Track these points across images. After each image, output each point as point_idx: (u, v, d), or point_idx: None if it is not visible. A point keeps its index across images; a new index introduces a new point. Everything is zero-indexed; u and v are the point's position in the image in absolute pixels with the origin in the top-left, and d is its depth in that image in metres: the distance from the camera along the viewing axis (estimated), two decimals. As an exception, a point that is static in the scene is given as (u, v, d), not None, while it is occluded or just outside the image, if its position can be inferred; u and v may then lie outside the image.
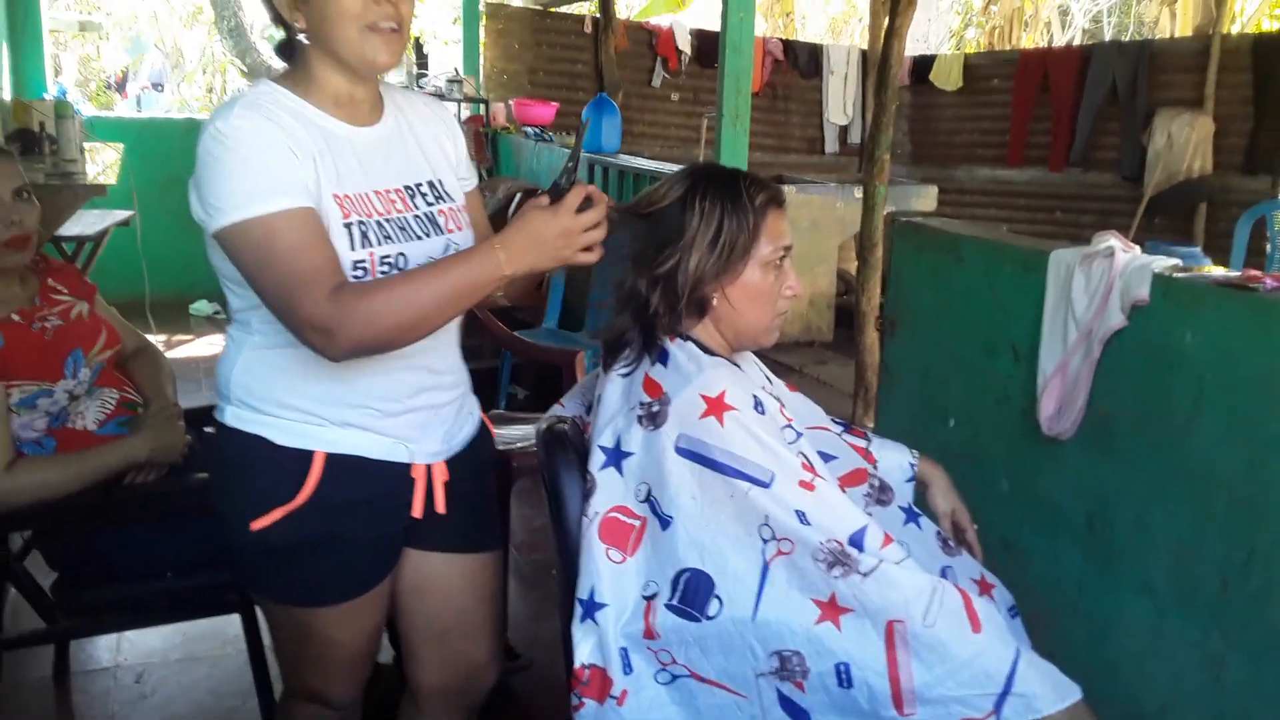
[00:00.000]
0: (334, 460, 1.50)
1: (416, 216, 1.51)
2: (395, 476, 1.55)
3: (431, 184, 1.57)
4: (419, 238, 1.50)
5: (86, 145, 3.40)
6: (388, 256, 1.45)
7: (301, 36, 1.45)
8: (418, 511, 1.58)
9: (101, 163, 3.50)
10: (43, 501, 1.98)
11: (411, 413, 1.55)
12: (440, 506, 1.60)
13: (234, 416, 1.52)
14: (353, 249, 1.42)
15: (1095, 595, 2.06)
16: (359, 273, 1.41)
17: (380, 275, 1.43)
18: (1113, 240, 1.98)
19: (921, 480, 1.79)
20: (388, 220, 1.47)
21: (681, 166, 1.70)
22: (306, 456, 1.49)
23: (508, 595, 2.70)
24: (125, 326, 2.34)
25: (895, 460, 1.77)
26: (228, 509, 1.54)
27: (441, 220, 1.55)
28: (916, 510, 1.75)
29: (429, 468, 1.58)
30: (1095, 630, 2.04)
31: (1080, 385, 2.00)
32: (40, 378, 2.02)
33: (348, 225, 1.42)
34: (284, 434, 1.49)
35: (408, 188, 1.53)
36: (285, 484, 1.48)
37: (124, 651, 2.67)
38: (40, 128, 3.38)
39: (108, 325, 2.24)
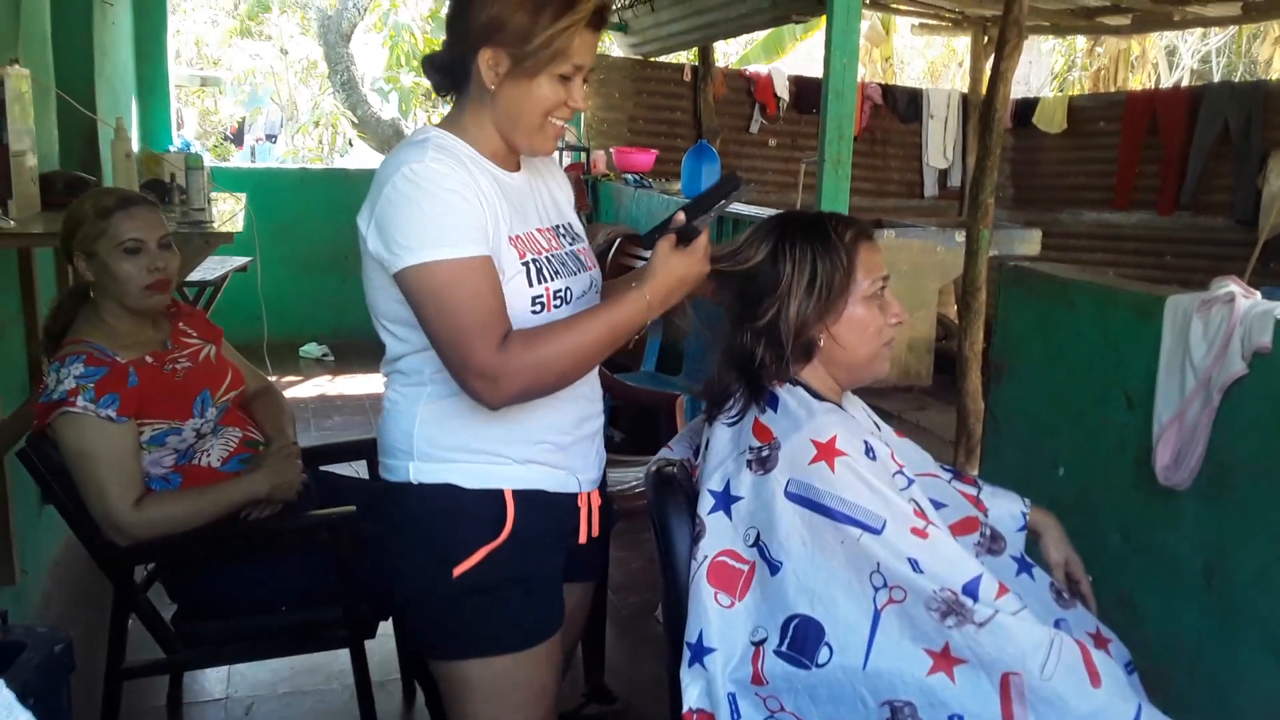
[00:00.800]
0: (520, 496, 1.53)
1: (567, 253, 1.58)
2: (567, 507, 1.62)
3: (568, 225, 1.64)
4: (574, 274, 1.57)
5: (211, 195, 3.56)
6: (559, 291, 1.53)
7: (487, 87, 1.46)
8: (584, 538, 1.65)
9: (218, 212, 3.65)
10: (167, 535, 2.06)
11: (578, 443, 1.61)
12: (595, 531, 1.67)
13: (418, 471, 1.52)
14: (530, 285, 1.48)
15: (1215, 652, 1.98)
16: (536, 308, 1.49)
17: (554, 309, 1.50)
18: (1232, 285, 1.93)
19: (1033, 530, 1.75)
20: (553, 256, 1.54)
21: (774, 213, 1.72)
22: (497, 496, 1.52)
23: (605, 638, 2.71)
24: (249, 368, 2.43)
25: (1006, 509, 1.74)
26: (422, 564, 1.54)
27: (583, 258, 1.62)
28: (1029, 560, 1.71)
29: (589, 495, 1.65)
30: (1215, 689, 1.97)
31: (1199, 434, 1.94)
32: (170, 417, 2.12)
33: (525, 264, 1.48)
34: (472, 477, 1.51)
35: (553, 228, 1.59)
36: (484, 524, 1.51)
37: (234, 684, 2.74)
38: (171, 178, 3.55)
39: (233, 367, 2.34)
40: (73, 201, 2.21)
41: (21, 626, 1.25)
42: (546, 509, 1.57)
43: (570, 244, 1.61)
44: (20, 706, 0.98)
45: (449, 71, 1.53)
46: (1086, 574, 1.73)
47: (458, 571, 1.50)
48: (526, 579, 1.55)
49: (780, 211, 1.69)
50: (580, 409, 1.61)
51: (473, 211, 1.42)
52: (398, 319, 1.49)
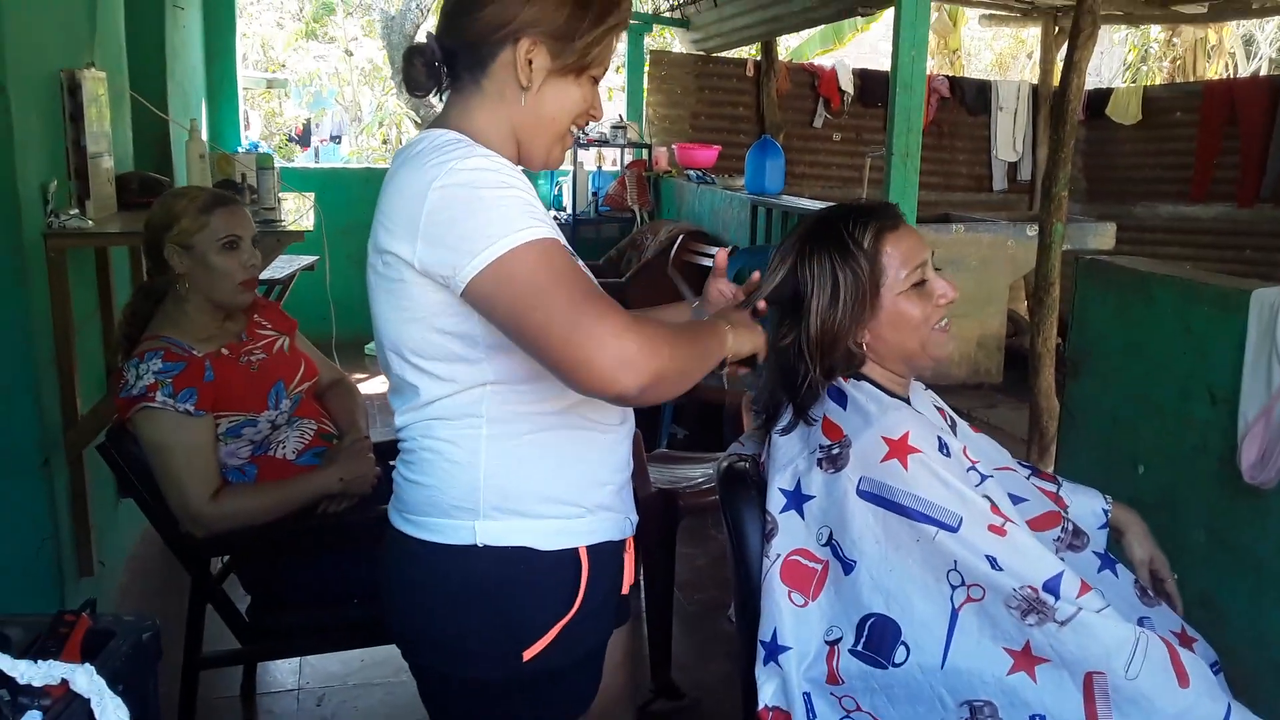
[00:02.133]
0: (593, 553, 1.34)
1: None
2: (620, 556, 1.43)
3: None
4: None
5: (280, 194, 3.61)
6: None
7: (520, 84, 1.29)
8: (627, 587, 1.46)
9: (286, 211, 3.71)
10: (243, 528, 2.10)
11: (627, 481, 1.44)
12: (633, 577, 1.49)
13: (489, 533, 1.28)
14: None
15: (1303, 657, 1.92)
16: None
17: None
18: (1322, 278, 1.87)
19: (1116, 527, 1.72)
20: None
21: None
22: (573, 557, 1.32)
23: (671, 635, 2.70)
24: (322, 360, 2.47)
25: (1088, 506, 1.71)
26: (486, 647, 1.31)
27: None
28: (1112, 557, 1.67)
29: (632, 539, 1.46)
30: (1304, 694, 1.91)
31: (1287, 432, 1.89)
32: (246, 409, 2.15)
33: None
34: (548, 537, 1.30)
35: None
36: (558, 595, 1.31)
37: (306, 675, 2.78)
38: (242, 178, 3.61)
39: (306, 359, 2.37)
40: (156, 200, 2.27)
41: (109, 615, 1.27)
42: (609, 563, 1.39)
43: None
44: (111, 693, 1.00)
45: (450, 65, 1.32)
46: (1172, 572, 1.69)
47: (529, 655, 1.30)
48: (590, 656, 1.39)
49: (802, 221, 1.62)
50: (629, 445, 1.43)
51: (538, 203, 1.24)
52: (438, 353, 1.26)
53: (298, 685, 2.74)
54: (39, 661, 1.05)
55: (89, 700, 1.02)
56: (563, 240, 1.22)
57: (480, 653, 1.31)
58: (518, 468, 1.29)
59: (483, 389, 1.26)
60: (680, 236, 5.51)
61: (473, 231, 1.16)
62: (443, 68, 1.34)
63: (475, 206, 1.17)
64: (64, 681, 1.04)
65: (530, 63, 1.27)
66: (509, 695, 1.34)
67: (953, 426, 1.67)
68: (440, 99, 1.38)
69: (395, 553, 1.36)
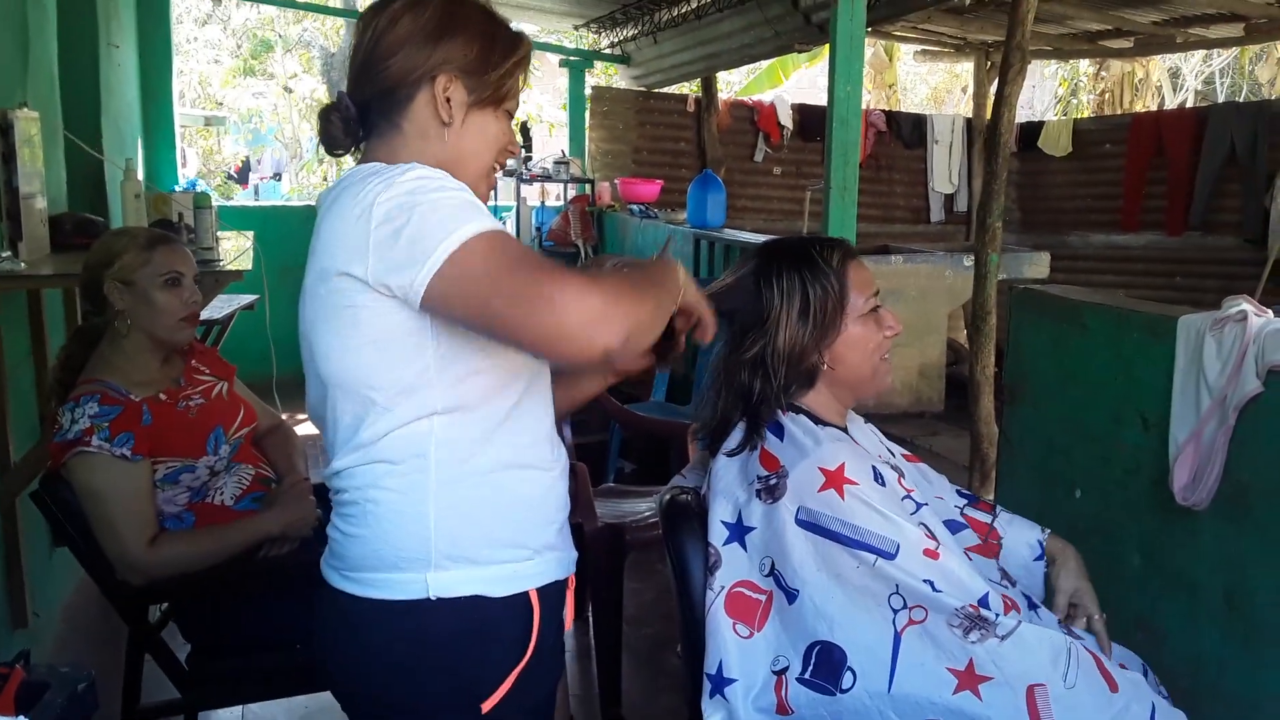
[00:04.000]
0: (542, 595, 1.32)
1: None
2: (562, 595, 1.40)
3: None
4: None
5: (219, 233, 3.57)
6: None
7: (441, 120, 1.30)
8: (570, 624, 1.44)
9: (225, 250, 3.66)
10: (181, 575, 2.05)
11: (567, 518, 1.40)
12: (573, 614, 1.48)
13: (441, 584, 1.24)
14: None
15: (1237, 675, 1.96)
16: None
17: None
18: (1244, 304, 1.92)
19: (1050, 555, 1.72)
20: None
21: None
22: (524, 601, 1.29)
23: (620, 670, 2.69)
24: (261, 405, 2.44)
25: (1024, 537, 1.71)
26: (443, 704, 1.28)
27: None
28: (1036, 602, 1.63)
29: (571, 576, 1.43)
30: (1237, 712, 1.95)
31: (1216, 454, 1.93)
32: (184, 454, 2.11)
33: None
34: (500, 583, 1.27)
35: None
36: (512, 642, 1.29)
37: (248, 725, 2.72)
38: (179, 218, 3.56)
39: (245, 404, 2.34)
40: (96, 241, 2.26)
41: (44, 666, 1.24)
42: (556, 603, 1.37)
43: None
44: (40, 748, 0.98)
45: (364, 116, 1.33)
46: (1101, 610, 1.65)
47: (487, 706, 1.27)
48: (547, 700, 1.38)
49: (765, 241, 1.67)
50: (566, 483, 1.40)
51: (481, 204, 1.23)
52: (386, 381, 1.23)
53: (239, 736, 2.68)
54: (-33, 717, 1.03)
55: (20, 756, 0.99)
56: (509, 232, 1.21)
57: (437, 710, 1.28)
58: (467, 513, 1.25)
59: (430, 420, 1.23)
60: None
61: (420, 236, 1.15)
62: (358, 124, 1.34)
63: (417, 213, 1.16)
64: (-6, 737, 1.02)
65: (449, 100, 1.29)
66: None
67: (891, 456, 1.69)
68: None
69: (334, 613, 1.31)
